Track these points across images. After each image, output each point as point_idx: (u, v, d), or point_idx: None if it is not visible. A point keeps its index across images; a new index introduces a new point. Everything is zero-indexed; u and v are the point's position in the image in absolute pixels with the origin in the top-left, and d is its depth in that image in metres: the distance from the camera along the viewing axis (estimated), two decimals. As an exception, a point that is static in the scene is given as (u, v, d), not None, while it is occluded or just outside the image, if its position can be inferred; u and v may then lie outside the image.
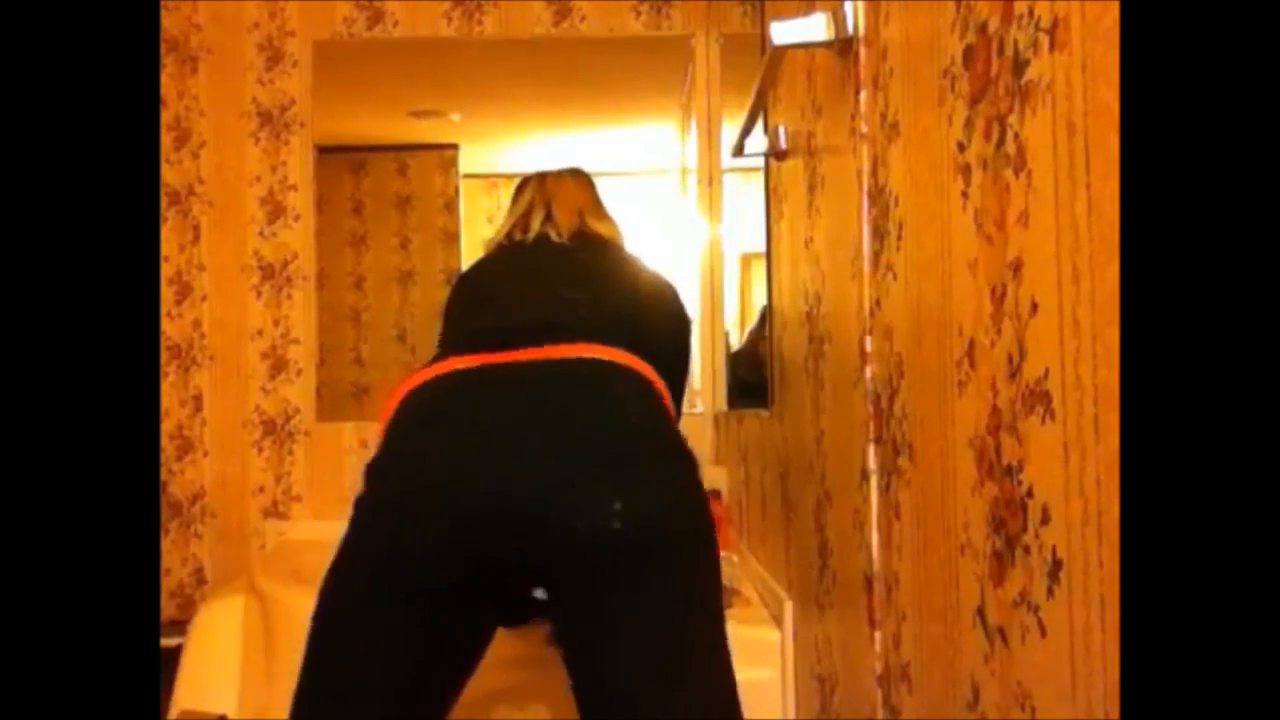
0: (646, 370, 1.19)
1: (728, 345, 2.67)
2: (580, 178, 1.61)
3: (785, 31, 1.12)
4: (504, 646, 1.41)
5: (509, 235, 1.52)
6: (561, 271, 1.39)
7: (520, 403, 1.11)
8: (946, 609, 0.80)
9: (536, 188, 1.56)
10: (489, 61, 2.88)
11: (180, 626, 2.37)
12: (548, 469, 1.07)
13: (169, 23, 2.82)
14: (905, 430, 0.92)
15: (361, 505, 1.16)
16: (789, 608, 1.58)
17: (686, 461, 1.16)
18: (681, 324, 1.49)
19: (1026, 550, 0.63)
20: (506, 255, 1.49)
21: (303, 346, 2.83)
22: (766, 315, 1.86)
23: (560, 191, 1.55)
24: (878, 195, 1.00)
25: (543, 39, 2.84)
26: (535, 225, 1.49)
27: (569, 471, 1.07)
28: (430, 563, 1.09)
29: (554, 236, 1.46)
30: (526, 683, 1.60)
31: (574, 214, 1.50)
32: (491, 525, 1.08)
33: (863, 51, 1.04)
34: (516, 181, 1.63)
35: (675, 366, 1.43)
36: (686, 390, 1.54)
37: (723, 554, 2.14)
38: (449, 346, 1.25)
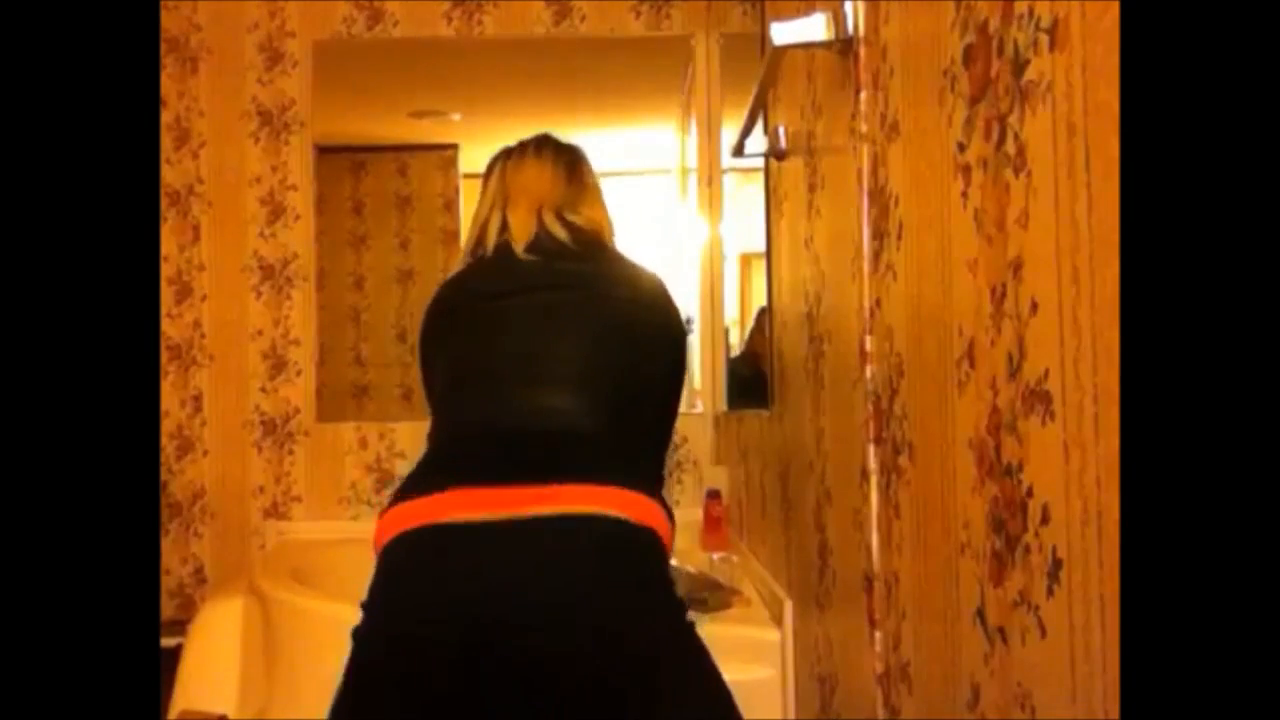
0: (651, 517, 1.19)
1: (728, 345, 2.67)
2: (544, 158, 1.45)
3: (785, 32, 1.12)
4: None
5: (475, 249, 1.42)
6: (543, 328, 1.30)
7: (528, 563, 1.13)
8: (946, 609, 0.80)
9: (498, 179, 1.44)
10: (489, 61, 2.88)
11: (180, 626, 2.37)
12: (567, 630, 1.10)
13: (169, 23, 2.83)
14: (905, 430, 0.92)
15: (366, 638, 1.16)
16: (789, 608, 1.59)
17: (681, 612, 1.20)
18: (677, 343, 1.41)
19: (1026, 550, 0.63)
20: (479, 296, 1.36)
21: (303, 346, 2.83)
22: (766, 316, 1.86)
23: (517, 183, 1.42)
24: (878, 195, 1.00)
25: (543, 39, 2.84)
26: (493, 235, 1.39)
27: (591, 631, 1.11)
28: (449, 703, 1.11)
29: (517, 253, 1.35)
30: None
31: (531, 214, 1.38)
32: (508, 677, 1.10)
33: (863, 51, 1.04)
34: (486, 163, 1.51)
35: (671, 389, 1.40)
36: (686, 390, 1.52)
37: (722, 554, 2.15)
38: (439, 468, 1.23)
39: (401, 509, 1.18)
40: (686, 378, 1.48)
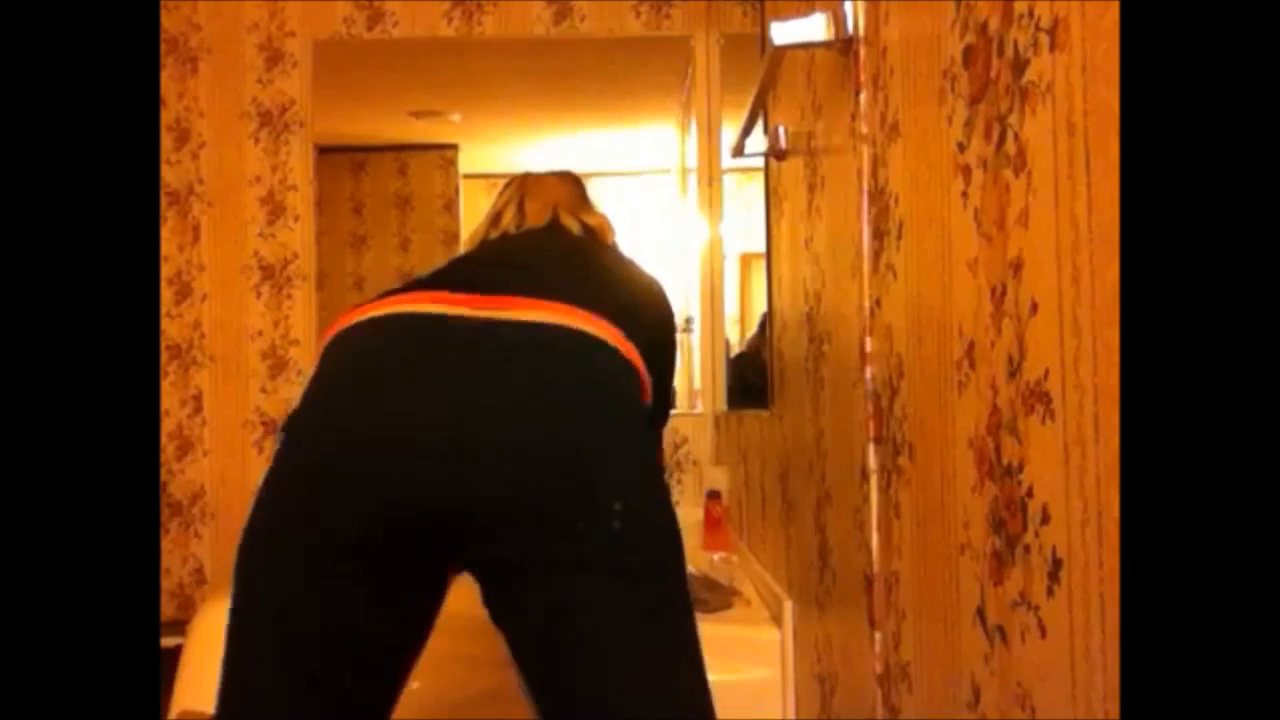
0: (627, 348, 1.08)
1: (728, 345, 2.67)
2: (564, 177, 1.54)
3: (785, 32, 1.12)
4: (496, 647, 1.41)
5: (481, 237, 1.44)
6: (542, 251, 1.31)
7: (479, 364, 0.99)
8: (946, 609, 0.80)
9: (516, 186, 1.50)
10: (489, 61, 2.88)
11: (180, 626, 2.36)
12: (530, 448, 0.96)
13: (169, 23, 2.83)
14: (905, 430, 0.92)
15: (276, 467, 1.02)
16: (789, 608, 1.59)
17: (658, 461, 1.11)
18: (669, 323, 1.42)
19: (1026, 550, 0.63)
20: (476, 249, 1.40)
21: (303, 347, 2.83)
22: (766, 318, 1.86)
23: (537, 188, 1.48)
24: (878, 195, 1.00)
25: (543, 39, 2.84)
26: (506, 219, 1.42)
27: (558, 454, 0.96)
28: (357, 535, 0.98)
29: (526, 229, 1.40)
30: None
31: (548, 207, 1.43)
32: (444, 505, 0.96)
33: (863, 51, 1.04)
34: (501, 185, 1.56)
35: (663, 365, 1.36)
36: (686, 390, 1.51)
37: (722, 554, 2.15)
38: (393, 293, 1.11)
39: (337, 320, 1.08)
40: (674, 371, 1.48)
